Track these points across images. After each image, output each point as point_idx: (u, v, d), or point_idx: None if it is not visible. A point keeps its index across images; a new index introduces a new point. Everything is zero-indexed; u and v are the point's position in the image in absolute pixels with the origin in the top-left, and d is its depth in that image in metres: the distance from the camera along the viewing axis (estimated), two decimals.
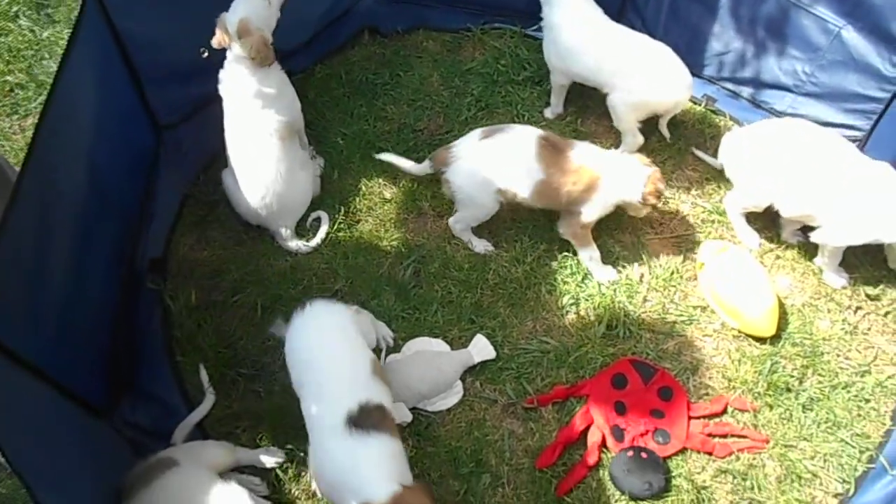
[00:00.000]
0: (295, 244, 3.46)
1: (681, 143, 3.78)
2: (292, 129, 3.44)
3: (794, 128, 3.26)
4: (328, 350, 2.65)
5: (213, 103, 3.58)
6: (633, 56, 3.48)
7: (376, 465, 2.38)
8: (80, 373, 2.79)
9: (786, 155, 3.18)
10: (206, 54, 3.46)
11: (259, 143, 3.31)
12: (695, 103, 3.91)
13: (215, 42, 3.20)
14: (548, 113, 3.90)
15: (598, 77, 3.57)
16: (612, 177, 3.17)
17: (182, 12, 3.35)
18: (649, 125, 3.69)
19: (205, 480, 2.62)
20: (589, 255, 3.35)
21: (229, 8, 3.18)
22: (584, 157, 3.19)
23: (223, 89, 3.31)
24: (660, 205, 3.37)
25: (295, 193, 3.45)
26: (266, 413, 3.03)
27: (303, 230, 3.52)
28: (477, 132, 3.30)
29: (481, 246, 3.44)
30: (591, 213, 3.23)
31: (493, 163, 3.22)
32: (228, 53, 3.23)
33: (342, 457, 2.41)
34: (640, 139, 3.64)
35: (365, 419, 2.43)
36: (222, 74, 3.29)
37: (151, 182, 3.59)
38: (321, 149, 3.77)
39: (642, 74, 3.46)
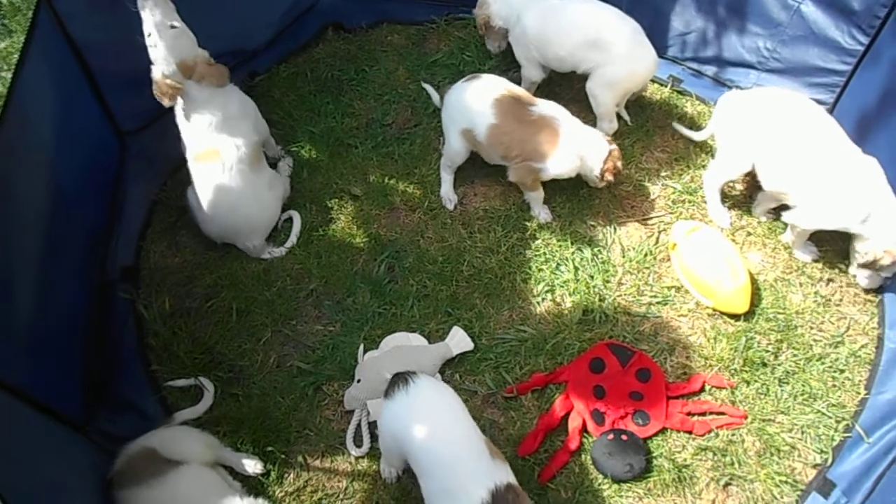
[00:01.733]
0: (267, 253, 3.43)
1: (648, 125, 3.79)
2: (259, 148, 3.40)
3: (795, 102, 3.25)
4: (447, 433, 2.48)
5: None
6: (602, 31, 3.47)
7: None
8: (53, 387, 2.75)
9: (778, 126, 3.19)
10: None
11: (225, 174, 3.23)
12: (661, 84, 3.92)
13: (166, 101, 3.13)
14: None
15: (573, 59, 3.57)
16: (573, 141, 3.24)
17: (138, 18, 3.30)
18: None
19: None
20: (534, 196, 3.45)
21: (153, 66, 3.10)
22: (546, 113, 3.27)
23: (182, 125, 3.25)
24: (612, 180, 3.36)
25: (262, 215, 3.42)
26: (245, 417, 3.01)
27: (274, 232, 3.49)
28: (466, 77, 3.48)
29: (448, 198, 3.54)
30: (547, 170, 3.29)
31: (461, 104, 3.37)
32: (179, 101, 3.17)
33: None
34: (615, 125, 3.66)
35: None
36: (178, 115, 3.23)
37: (118, 190, 3.54)
38: (289, 148, 3.75)
39: (614, 50, 3.46)
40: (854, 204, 3.02)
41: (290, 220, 3.52)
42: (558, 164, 3.27)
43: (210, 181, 3.24)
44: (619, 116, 3.72)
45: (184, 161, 3.37)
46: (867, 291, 3.23)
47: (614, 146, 3.29)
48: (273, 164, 3.63)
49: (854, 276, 3.24)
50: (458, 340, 3.14)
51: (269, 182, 3.41)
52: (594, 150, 3.26)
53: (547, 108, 3.30)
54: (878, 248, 2.99)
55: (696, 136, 3.64)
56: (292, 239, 3.46)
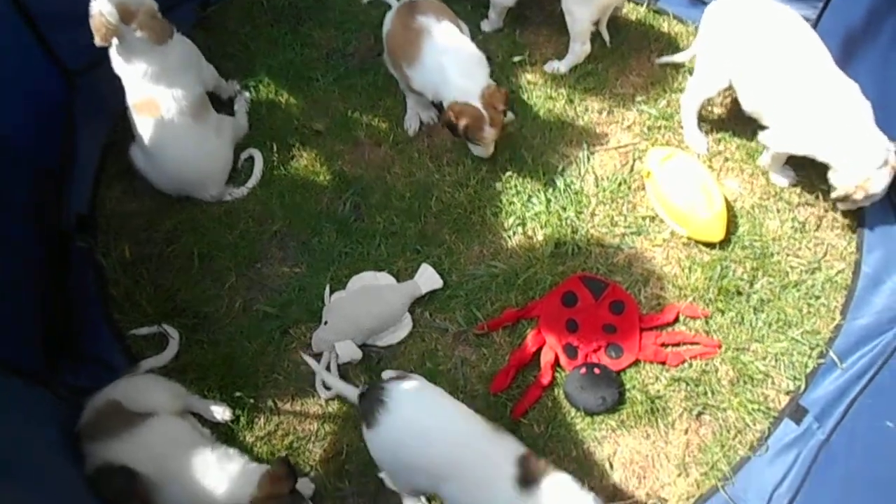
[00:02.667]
0: (228, 195, 3.30)
1: (623, 47, 3.63)
2: (203, 99, 3.22)
3: (779, 14, 3.05)
4: (450, 429, 2.37)
5: None
6: None
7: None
8: (8, 340, 2.67)
9: (758, 38, 3.02)
10: None
11: (166, 130, 3.07)
12: (636, 3, 3.73)
13: (98, 40, 2.90)
14: (485, 26, 3.71)
15: None
16: (441, 59, 3.10)
17: None
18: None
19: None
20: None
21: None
22: (429, 27, 3.14)
23: (118, 70, 3.05)
24: (491, 118, 3.12)
25: (214, 166, 3.27)
26: (212, 364, 2.95)
27: (234, 172, 3.35)
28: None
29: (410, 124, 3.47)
30: (412, 78, 3.22)
31: (388, 18, 3.36)
32: (114, 43, 2.96)
33: None
34: (588, 47, 3.49)
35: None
36: (114, 59, 3.03)
37: (68, 134, 3.37)
38: (246, 83, 3.56)
39: None
40: (827, 131, 2.88)
41: (250, 158, 3.37)
42: (418, 77, 3.19)
43: (153, 137, 3.08)
44: (597, 37, 3.54)
45: None
46: (846, 216, 3.15)
47: (494, 86, 3.10)
48: (229, 101, 3.46)
49: (833, 202, 3.13)
50: (427, 278, 3.06)
51: (216, 129, 3.24)
52: (470, 81, 3.07)
53: (435, 24, 3.16)
54: (849, 182, 2.86)
55: (681, 56, 3.48)
56: (253, 179, 3.33)
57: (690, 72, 3.47)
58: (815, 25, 3.36)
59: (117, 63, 3.04)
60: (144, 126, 3.09)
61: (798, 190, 3.23)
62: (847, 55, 3.07)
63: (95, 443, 2.54)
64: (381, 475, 2.69)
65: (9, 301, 2.77)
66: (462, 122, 3.04)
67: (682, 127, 3.39)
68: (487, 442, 2.32)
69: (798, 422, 2.80)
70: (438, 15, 3.20)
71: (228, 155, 3.32)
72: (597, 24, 3.50)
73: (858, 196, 2.86)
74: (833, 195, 2.96)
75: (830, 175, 2.96)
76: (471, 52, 3.18)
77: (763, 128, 3.12)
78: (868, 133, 2.83)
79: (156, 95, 3.04)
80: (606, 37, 3.57)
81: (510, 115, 3.35)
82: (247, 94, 3.51)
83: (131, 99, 3.08)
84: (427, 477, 2.38)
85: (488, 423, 2.39)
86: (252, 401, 2.90)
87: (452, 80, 3.07)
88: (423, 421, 2.37)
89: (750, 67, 3.05)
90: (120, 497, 2.46)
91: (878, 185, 2.83)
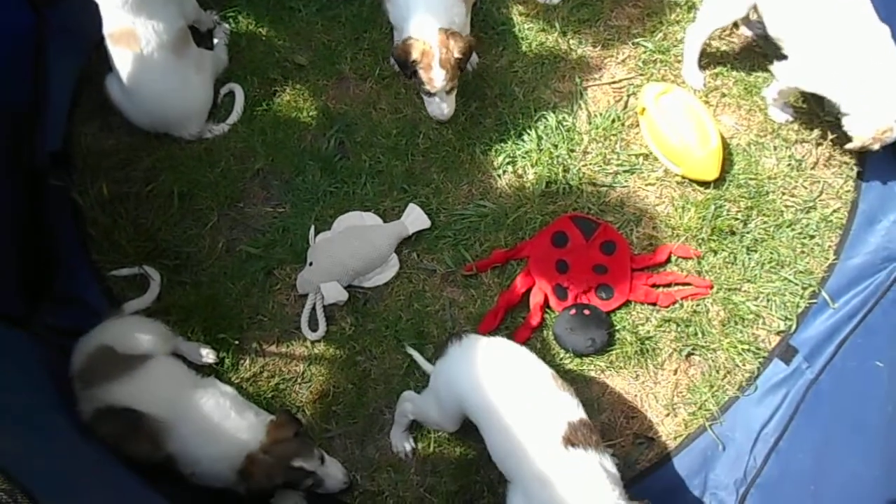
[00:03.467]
0: (209, 132, 3.18)
1: None
2: (185, 32, 3.06)
3: None
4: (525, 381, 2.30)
5: None
6: None
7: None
8: None
9: None
10: None
11: (145, 63, 2.92)
12: None
13: None
14: None
15: None
16: None
17: None
18: None
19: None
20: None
21: None
22: None
23: None
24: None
25: (194, 104, 3.14)
26: (195, 305, 2.90)
27: (214, 108, 3.22)
28: None
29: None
30: (388, 11, 3.00)
31: None
32: None
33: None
34: None
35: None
36: None
37: (39, 67, 3.21)
38: (225, 14, 3.39)
39: None
40: (850, 72, 2.72)
41: (230, 94, 3.24)
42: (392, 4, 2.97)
43: (131, 71, 2.94)
44: None
45: None
46: (843, 154, 3.07)
47: (454, 30, 2.85)
48: (208, 34, 3.31)
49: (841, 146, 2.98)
50: (415, 218, 2.98)
51: (196, 65, 3.09)
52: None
53: None
54: (867, 132, 2.70)
55: None
56: (234, 115, 3.20)
57: (692, 8, 3.34)
58: None
59: None
60: (122, 60, 2.95)
61: (796, 126, 3.14)
62: None
63: (93, 388, 2.51)
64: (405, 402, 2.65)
65: None
66: (410, 56, 2.83)
67: (679, 61, 3.26)
68: (552, 398, 2.25)
69: (787, 362, 2.80)
70: None
71: (209, 91, 3.19)
72: None
73: (875, 147, 2.74)
74: (849, 146, 2.82)
75: (846, 122, 2.81)
76: None
77: (780, 58, 2.97)
78: (893, 81, 2.68)
79: (135, 27, 2.88)
80: None
81: (474, 58, 3.18)
82: (226, 25, 3.35)
83: (108, 28, 2.93)
84: (479, 417, 2.32)
85: (556, 378, 2.31)
86: (237, 342, 2.86)
87: (414, 14, 2.85)
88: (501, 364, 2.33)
89: None
90: (124, 438, 2.45)
91: None
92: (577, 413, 2.22)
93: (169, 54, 2.95)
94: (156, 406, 2.46)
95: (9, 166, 2.97)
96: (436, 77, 2.83)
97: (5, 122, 3.00)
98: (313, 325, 2.88)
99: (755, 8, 2.97)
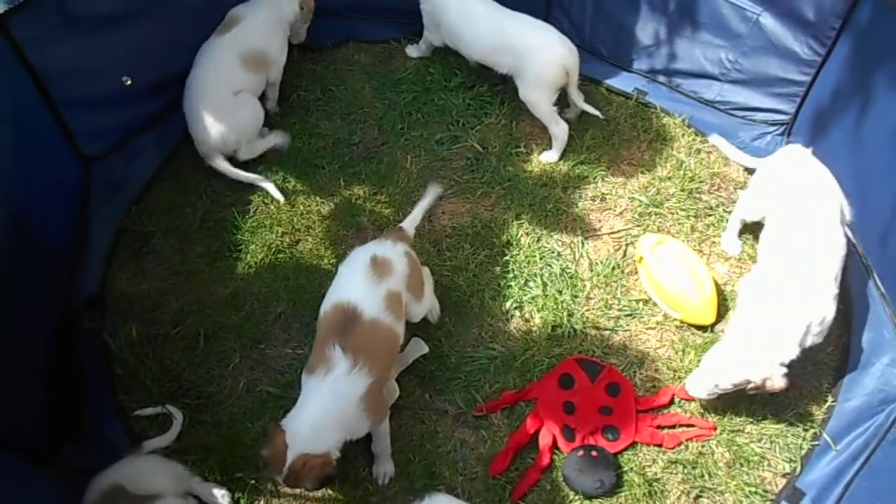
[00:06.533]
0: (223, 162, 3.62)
1: (615, 138, 3.81)
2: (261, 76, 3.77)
3: (815, 186, 3.05)
4: None
5: (142, 132, 3.53)
6: (511, 34, 3.60)
7: None
8: (15, 419, 2.72)
9: (782, 195, 3.13)
10: (128, 82, 3.42)
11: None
12: (626, 97, 3.95)
13: None
14: (411, 52, 4.15)
15: (490, 60, 3.73)
16: None
17: (101, 42, 3.30)
18: (583, 125, 3.74)
19: None
20: None
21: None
22: None
23: None
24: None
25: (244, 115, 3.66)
26: (214, 444, 2.98)
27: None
28: None
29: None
30: None
31: None
32: None
33: None
34: (564, 126, 3.68)
35: None
36: None
37: (82, 217, 3.51)
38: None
39: (519, 49, 3.57)
40: (773, 313, 2.88)
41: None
42: None
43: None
44: (591, 126, 3.76)
45: (151, 186, 3.36)
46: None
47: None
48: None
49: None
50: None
51: (247, 91, 3.71)
52: None
53: None
54: (757, 374, 2.82)
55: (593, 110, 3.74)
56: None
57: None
58: (794, 117, 3.59)
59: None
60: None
61: None
62: (818, 134, 3.28)
63: None
64: None
65: (22, 382, 2.83)
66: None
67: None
68: None
69: None
70: None
71: (237, 112, 3.62)
72: (567, 105, 3.74)
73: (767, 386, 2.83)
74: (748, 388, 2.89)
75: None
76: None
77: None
78: (792, 335, 2.84)
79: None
80: (593, 110, 3.75)
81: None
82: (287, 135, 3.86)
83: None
84: None
85: None
86: (253, 482, 2.91)
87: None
88: None
89: (772, 214, 3.14)
90: None
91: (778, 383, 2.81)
92: None
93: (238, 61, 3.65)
94: None
95: (47, 306, 3.17)
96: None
97: (48, 266, 3.23)
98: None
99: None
